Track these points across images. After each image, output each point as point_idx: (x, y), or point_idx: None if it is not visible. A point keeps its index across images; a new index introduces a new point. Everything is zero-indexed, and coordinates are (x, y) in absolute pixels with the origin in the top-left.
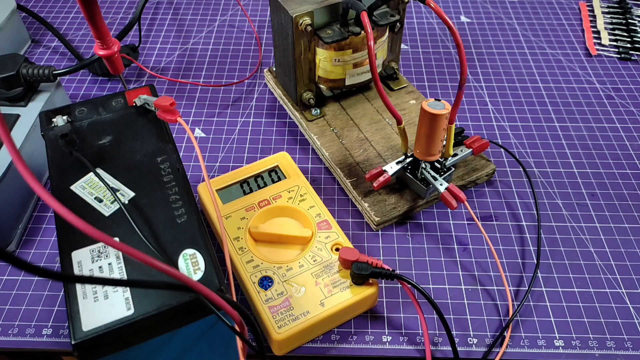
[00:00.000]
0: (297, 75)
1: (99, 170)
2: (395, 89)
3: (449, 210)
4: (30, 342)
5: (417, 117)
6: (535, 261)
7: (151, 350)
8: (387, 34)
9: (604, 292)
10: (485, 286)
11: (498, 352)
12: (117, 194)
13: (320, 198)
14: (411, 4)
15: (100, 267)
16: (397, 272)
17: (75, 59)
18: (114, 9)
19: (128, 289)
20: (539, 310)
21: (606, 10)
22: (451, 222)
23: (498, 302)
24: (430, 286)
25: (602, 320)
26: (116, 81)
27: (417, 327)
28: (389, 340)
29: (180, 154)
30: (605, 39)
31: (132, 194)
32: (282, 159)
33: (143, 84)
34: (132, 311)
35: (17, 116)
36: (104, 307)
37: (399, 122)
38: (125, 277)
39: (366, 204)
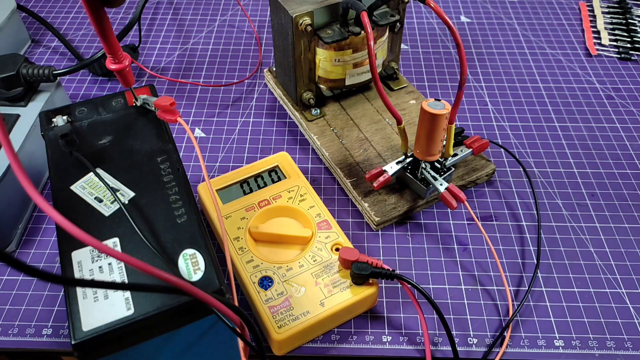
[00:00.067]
0: (297, 75)
1: (99, 170)
2: (395, 89)
3: (449, 210)
4: (30, 342)
5: (417, 117)
6: (535, 261)
7: (151, 350)
8: (387, 34)
9: (604, 292)
10: (485, 286)
11: (498, 352)
12: (117, 194)
13: (320, 198)
14: (411, 4)
15: (100, 267)
16: (397, 272)
17: (75, 59)
18: (114, 9)
19: None
20: (539, 310)
21: (606, 10)
22: (451, 222)
23: (498, 302)
24: (430, 286)
25: (602, 320)
26: (116, 81)
27: (417, 327)
28: (389, 340)
29: (180, 154)
30: (605, 39)
31: (132, 194)
32: (282, 159)
33: (143, 84)
34: (132, 311)
35: (17, 116)
36: (104, 307)
37: (399, 122)
38: (125, 277)
39: (366, 204)
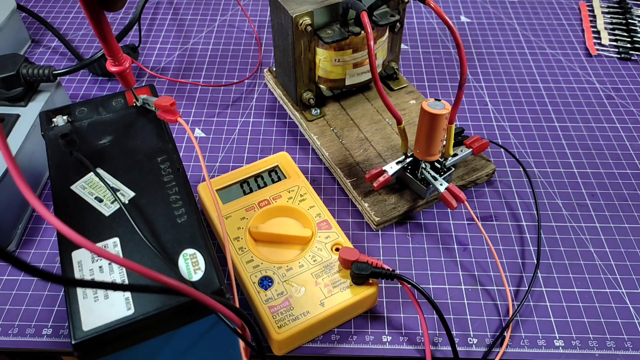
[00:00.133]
0: (297, 75)
1: (99, 170)
2: (395, 89)
3: (449, 210)
4: (30, 342)
5: (417, 117)
6: (535, 261)
7: (151, 350)
8: (387, 34)
9: (604, 292)
10: (485, 286)
11: (498, 352)
12: (118, 193)
13: (320, 198)
14: (411, 4)
15: (100, 267)
16: (397, 272)
17: (75, 59)
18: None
19: None
20: (539, 310)
21: (606, 10)
22: (451, 222)
23: (498, 302)
24: (430, 286)
25: (602, 320)
26: (116, 81)
27: (417, 327)
28: (389, 340)
29: (180, 154)
30: (605, 39)
31: (132, 193)
32: (282, 159)
33: (143, 84)
34: (132, 311)
35: (17, 116)
36: (104, 307)
37: (399, 122)
38: (125, 277)
39: (366, 204)
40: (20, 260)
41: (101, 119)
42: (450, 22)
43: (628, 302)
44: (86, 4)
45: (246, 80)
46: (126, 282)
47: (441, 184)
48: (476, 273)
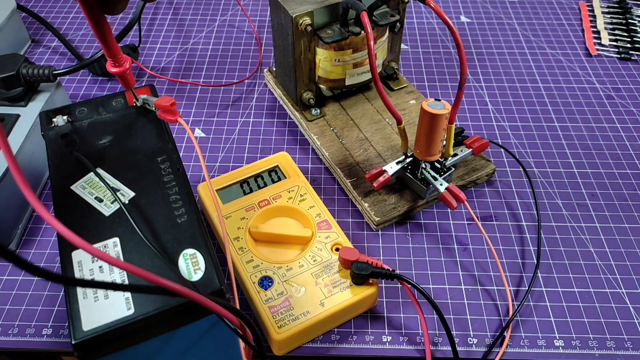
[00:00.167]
0: (297, 75)
1: (99, 170)
2: (395, 89)
3: (449, 210)
4: (30, 342)
5: (417, 117)
6: (535, 261)
7: (151, 350)
8: (387, 34)
9: (604, 292)
10: (485, 286)
11: (498, 352)
12: (118, 193)
13: (320, 198)
14: (411, 4)
15: (100, 267)
16: (397, 272)
17: (75, 59)
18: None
19: None
20: (539, 310)
21: (606, 10)
22: (451, 222)
23: (498, 302)
24: (430, 286)
25: (602, 320)
26: (116, 81)
27: (417, 327)
28: (389, 340)
29: (180, 154)
30: (605, 39)
31: (132, 193)
32: (282, 159)
33: (143, 84)
34: (132, 311)
35: (17, 116)
36: (104, 307)
37: (399, 122)
38: (125, 277)
39: (366, 204)
40: (21, 259)
41: (101, 119)
42: (450, 22)
43: (628, 302)
44: (86, 7)
45: (246, 80)
46: (126, 282)
47: (441, 184)
48: (476, 273)
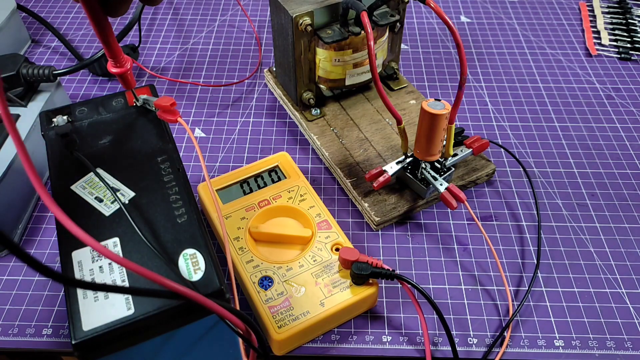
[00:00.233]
0: (297, 75)
1: (99, 170)
2: (395, 89)
3: (449, 210)
4: (30, 342)
5: (417, 117)
6: (535, 261)
7: (151, 350)
8: (387, 34)
9: (604, 292)
10: (485, 286)
11: (498, 352)
12: (118, 193)
13: (320, 198)
14: (411, 4)
15: (100, 267)
16: (397, 272)
17: (75, 59)
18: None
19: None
20: (539, 310)
21: (606, 10)
22: (451, 222)
23: (498, 302)
24: (430, 286)
25: (602, 320)
26: (116, 81)
27: (417, 327)
28: (389, 340)
29: (181, 154)
30: (605, 39)
31: (132, 193)
32: (282, 159)
33: (143, 84)
34: (132, 311)
35: (17, 116)
36: (104, 307)
37: (399, 122)
38: (125, 277)
39: (366, 204)
40: (28, 255)
41: (101, 119)
42: (450, 22)
43: (628, 302)
44: (89, 9)
45: (246, 80)
46: (126, 281)
47: (441, 184)
48: (476, 273)
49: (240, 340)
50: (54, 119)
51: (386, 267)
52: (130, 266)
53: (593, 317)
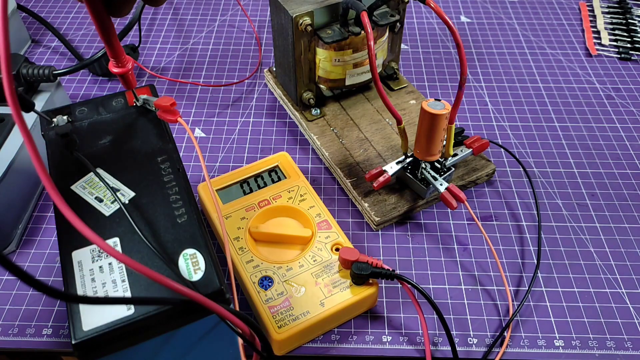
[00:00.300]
0: (297, 75)
1: (99, 170)
2: (395, 89)
3: (449, 210)
4: (30, 342)
5: (417, 117)
6: (535, 261)
7: (151, 350)
8: (387, 34)
9: (604, 292)
10: (485, 286)
11: (498, 352)
12: (118, 193)
13: (320, 198)
14: (411, 4)
15: (100, 267)
16: (397, 272)
17: (75, 59)
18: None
19: (129, 288)
20: (539, 310)
21: (606, 10)
22: (451, 222)
23: (498, 302)
24: (430, 286)
25: (602, 320)
26: (116, 81)
27: (417, 327)
28: (389, 340)
29: (181, 154)
30: (605, 39)
31: (132, 193)
32: (282, 159)
33: (143, 84)
34: (132, 311)
35: None
36: (105, 307)
37: (399, 122)
38: (125, 277)
39: (366, 204)
40: (24, 272)
41: (101, 119)
42: (450, 22)
43: (628, 302)
44: (92, 10)
45: (246, 80)
46: (126, 281)
47: (441, 184)
48: (476, 273)
49: (240, 340)
50: (54, 119)
51: (386, 267)
52: (144, 271)
53: (593, 317)
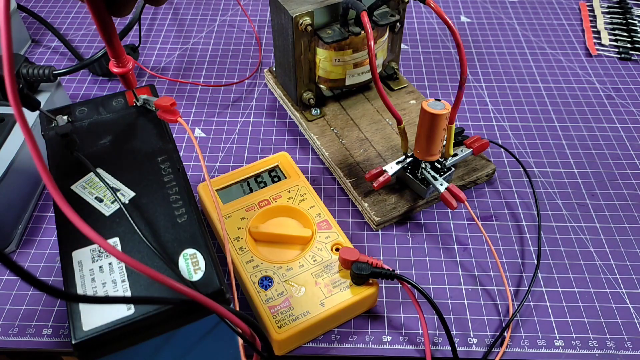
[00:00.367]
0: (297, 75)
1: (100, 170)
2: (395, 89)
3: (449, 210)
4: (30, 342)
5: (417, 117)
6: (535, 261)
7: (151, 350)
8: (387, 34)
9: (604, 292)
10: (485, 286)
11: (498, 352)
12: (118, 193)
13: (320, 198)
14: (411, 4)
15: (100, 267)
16: (397, 272)
17: (75, 59)
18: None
19: (129, 288)
20: (539, 310)
21: (606, 10)
22: (451, 222)
23: (498, 302)
24: (430, 286)
25: (602, 320)
26: (116, 81)
27: (417, 327)
28: (389, 340)
29: (181, 154)
30: (605, 39)
31: (132, 193)
32: (282, 159)
33: (143, 84)
34: (132, 311)
35: None
36: (105, 307)
37: (399, 122)
38: (125, 277)
39: (366, 204)
40: (25, 271)
41: (101, 119)
42: (450, 22)
43: (628, 302)
44: (94, 9)
45: (246, 80)
46: (126, 281)
47: (441, 184)
48: (476, 273)
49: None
50: (54, 119)
51: (386, 267)
52: (145, 270)
53: (593, 317)
